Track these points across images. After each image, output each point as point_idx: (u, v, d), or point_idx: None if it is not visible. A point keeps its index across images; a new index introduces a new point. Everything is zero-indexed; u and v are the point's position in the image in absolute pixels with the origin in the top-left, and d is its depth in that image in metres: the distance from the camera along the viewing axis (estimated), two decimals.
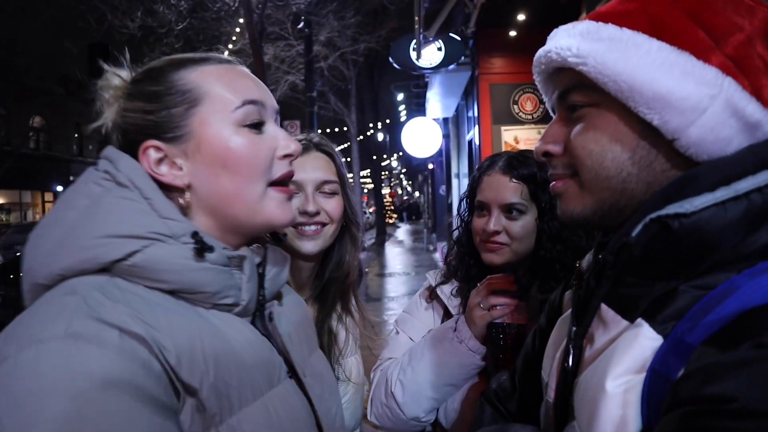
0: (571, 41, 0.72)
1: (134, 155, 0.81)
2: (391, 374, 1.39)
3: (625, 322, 0.68)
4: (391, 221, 35.22)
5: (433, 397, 1.35)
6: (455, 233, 1.56)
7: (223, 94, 0.82)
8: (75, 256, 0.73)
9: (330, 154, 1.38)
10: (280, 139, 0.85)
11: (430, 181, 23.22)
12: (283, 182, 0.86)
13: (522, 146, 7.33)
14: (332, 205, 1.35)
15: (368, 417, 1.45)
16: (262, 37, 10.80)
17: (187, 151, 0.81)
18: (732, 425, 0.50)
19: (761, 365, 0.51)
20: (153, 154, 0.80)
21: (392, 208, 40.54)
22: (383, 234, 23.27)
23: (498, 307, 1.30)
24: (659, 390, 0.59)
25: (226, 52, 12.80)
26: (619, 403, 0.62)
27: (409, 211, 41.77)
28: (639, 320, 0.65)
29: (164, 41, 11.57)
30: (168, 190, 0.81)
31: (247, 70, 0.88)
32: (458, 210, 1.57)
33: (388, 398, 1.38)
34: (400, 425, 1.39)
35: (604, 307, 0.71)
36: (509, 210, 1.35)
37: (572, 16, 5.46)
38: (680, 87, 0.65)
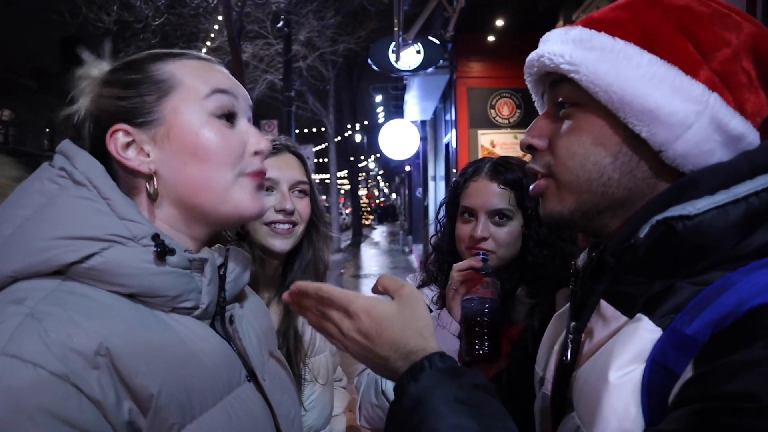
0: (564, 48, 0.73)
1: (101, 143, 0.79)
2: (378, 376, 1.37)
3: (624, 318, 0.70)
4: (367, 222, 35.21)
5: None
6: (433, 239, 1.55)
7: (194, 84, 0.81)
8: (28, 258, 0.70)
9: (300, 157, 1.43)
10: (251, 135, 0.85)
11: (407, 183, 23.28)
12: (256, 176, 0.85)
13: (498, 150, 7.40)
14: (303, 206, 1.39)
15: (357, 421, 1.45)
16: (240, 35, 10.73)
17: (155, 137, 0.79)
18: (751, 423, 0.51)
19: None
20: (121, 138, 0.78)
21: (369, 209, 40.53)
22: (359, 235, 23.26)
23: (468, 282, 1.31)
24: (658, 379, 0.61)
25: (204, 50, 12.68)
26: (621, 393, 0.64)
27: (384, 213, 41.83)
28: (638, 315, 0.67)
29: (141, 36, 11.42)
30: (133, 177, 0.79)
31: (223, 68, 0.87)
32: (437, 215, 1.57)
33: (379, 398, 1.37)
34: None
35: (603, 303, 0.73)
36: (496, 216, 1.36)
37: (550, 23, 5.54)
38: (668, 102, 0.67)
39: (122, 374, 0.67)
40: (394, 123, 12.68)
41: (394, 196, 48.73)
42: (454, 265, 1.33)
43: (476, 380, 0.71)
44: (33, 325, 0.64)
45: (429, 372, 0.71)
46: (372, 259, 16.86)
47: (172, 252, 0.75)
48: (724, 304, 0.60)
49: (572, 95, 0.74)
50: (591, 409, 0.67)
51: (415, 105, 11.22)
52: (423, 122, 12.99)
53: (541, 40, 0.80)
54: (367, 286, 11.41)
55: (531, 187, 0.82)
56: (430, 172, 11.92)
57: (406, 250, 17.93)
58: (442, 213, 1.53)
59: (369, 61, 8.34)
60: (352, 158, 24.07)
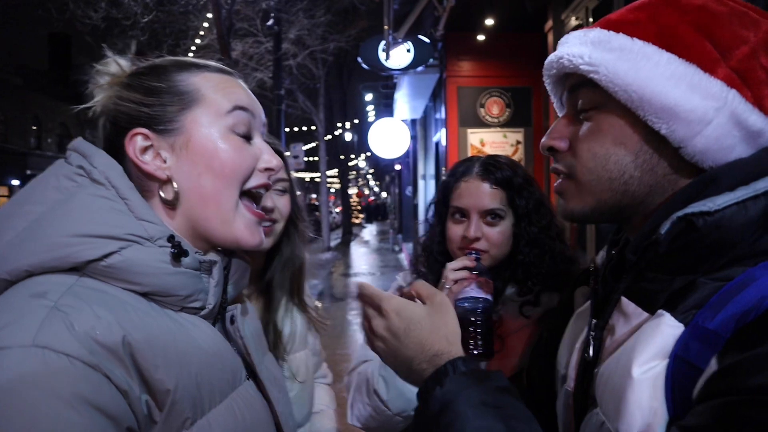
0: (583, 49, 0.74)
1: (119, 145, 0.81)
2: (372, 373, 1.36)
3: (645, 314, 0.71)
4: (357, 221, 35.18)
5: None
6: (423, 239, 1.55)
7: (216, 98, 0.83)
8: (45, 253, 0.71)
9: (281, 154, 1.42)
10: (264, 152, 0.87)
11: (397, 181, 23.29)
12: (256, 195, 0.87)
13: (488, 149, 7.42)
14: (283, 203, 1.40)
15: (349, 420, 1.44)
16: (230, 33, 10.68)
17: (174, 146, 0.81)
18: None
19: None
20: (140, 142, 0.80)
21: (359, 208, 40.50)
22: (349, 234, 23.24)
23: (461, 281, 1.29)
24: (682, 373, 0.63)
25: (193, 47, 12.61)
26: (645, 388, 0.65)
27: (375, 212, 41.81)
28: (660, 311, 0.69)
29: (129, 33, 11.32)
30: (147, 181, 0.81)
31: (242, 83, 0.90)
32: (426, 216, 1.56)
33: (371, 397, 1.36)
34: (386, 422, 1.36)
35: (624, 300, 0.74)
36: (488, 216, 1.37)
37: (538, 23, 5.56)
38: (687, 100, 0.68)
39: (141, 368, 0.69)
40: (384, 121, 12.68)
41: (384, 194, 48.72)
42: (448, 264, 1.33)
43: (500, 383, 0.73)
44: (59, 318, 0.66)
45: (453, 376, 0.73)
46: (362, 258, 16.86)
47: (186, 253, 0.77)
48: (746, 299, 0.61)
49: (592, 98, 0.76)
50: (615, 405, 0.68)
51: (405, 104, 11.23)
52: (413, 121, 13.01)
53: (559, 42, 0.82)
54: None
55: (555, 184, 0.83)
56: (420, 171, 11.94)
57: (396, 248, 17.94)
58: (431, 213, 1.53)
59: (359, 59, 8.33)
60: (342, 157, 24.05)
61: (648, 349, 0.67)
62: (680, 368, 0.63)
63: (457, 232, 1.39)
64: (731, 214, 0.65)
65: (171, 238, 0.77)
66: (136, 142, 0.80)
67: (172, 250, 0.76)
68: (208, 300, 0.82)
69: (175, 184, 0.81)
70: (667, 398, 0.64)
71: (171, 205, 0.82)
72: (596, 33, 0.75)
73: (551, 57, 0.80)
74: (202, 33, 13.05)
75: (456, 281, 1.29)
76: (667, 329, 0.66)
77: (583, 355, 0.81)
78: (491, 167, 1.39)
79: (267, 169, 0.87)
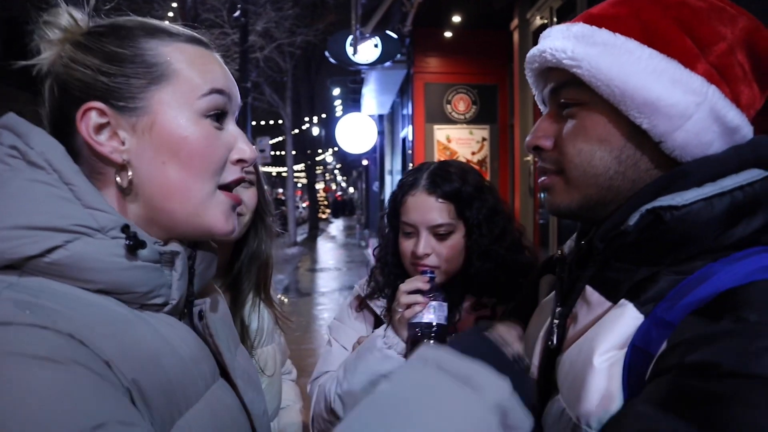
0: (566, 43, 0.75)
1: (70, 117, 0.70)
2: (329, 390, 1.35)
3: (608, 303, 0.72)
4: (324, 216, 35.05)
5: None
6: (376, 251, 1.52)
7: (192, 78, 0.73)
8: None
9: None
10: (238, 140, 0.77)
11: (364, 177, 23.28)
12: (230, 188, 0.78)
13: (454, 145, 7.48)
14: (249, 196, 1.38)
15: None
16: (195, 23, 10.50)
17: (136, 127, 0.70)
18: (715, 386, 0.55)
19: (742, 336, 0.57)
20: (95, 118, 0.69)
21: (326, 203, 40.33)
22: (316, 229, 23.14)
23: (414, 306, 1.27)
24: (639, 363, 0.64)
25: None
26: (604, 377, 0.67)
27: (342, 207, 41.71)
28: (622, 301, 0.70)
29: (91, 11, 10.98)
30: (99, 163, 0.71)
31: (218, 57, 0.79)
32: (379, 228, 1.54)
33: (329, 414, 1.35)
34: None
35: (588, 289, 0.75)
36: (437, 230, 1.33)
37: (505, 20, 5.62)
38: (669, 94, 0.69)
39: (119, 374, 0.61)
40: (352, 117, 12.66)
41: (351, 190, 48.65)
42: (401, 286, 1.30)
43: None
44: (12, 305, 0.58)
45: None
46: (328, 253, 16.81)
47: (143, 245, 0.67)
48: (702, 293, 0.63)
49: (575, 95, 0.76)
50: (576, 392, 0.70)
51: (373, 99, 11.22)
52: (380, 116, 13.02)
53: (541, 36, 0.82)
54: (323, 279, 11.37)
55: (539, 180, 0.83)
56: (387, 167, 11.96)
57: (363, 244, 17.94)
58: (384, 224, 1.50)
59: (327, 53, 8.29)
60: (309, 151, 23.90)
61: (609, 339, 0.68)
62: (637, 357, 0.65)
63: (407, 247, 1.36)
64: (698, 210, 0.67)
65: (125, 228, 0.67)
66: (90, 117, 0.69)
67: (127, 242, 0.66)
68: (171, 295, 0.73)
69: (134, 170, 0.71)
70: (624, 386, 0.66)
71: (127, 192, 0.71)
72: (579, 27, 0.76)
73: (534, 50, 0.80)
74: (166, 22, 12.78)
75: (409, 305, 1.26)
76: (629, 319, 0.68)
77: (547, 343, 0.82)
78: (438, 179, 1.35)
79: (240, 161, 0.77)
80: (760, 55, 0.72)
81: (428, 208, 1.34)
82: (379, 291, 1.46)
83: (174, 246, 0.74)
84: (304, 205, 31.60)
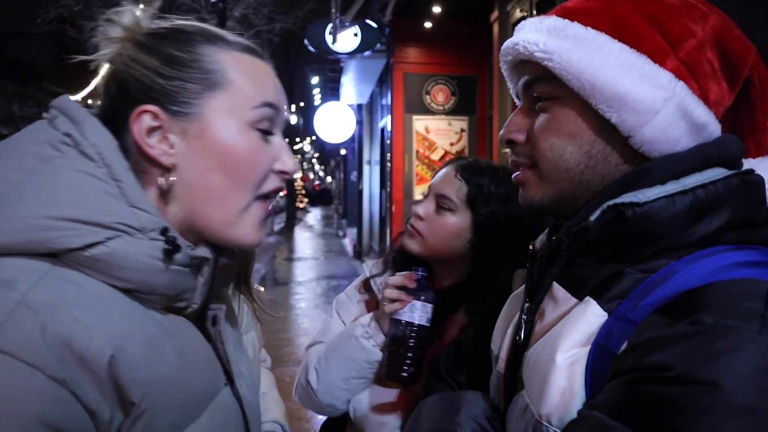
0: (539, 36, 0.75)
1: (124, 115, 0.71)
2: (310, 362, 1.39)
3: (574, 300, 0.73)
4: (301, 206, 34.88)
5: (345, 389, 1.34)
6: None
7: (245, 88, 0.74)
8: (20, 234, 0.61)
9: None
10: (282, 153, 0.78)
11: (342, 166, 23.19)
12: (268, 197, 0.79)
13: (433, 136, 7.49)
14: None
15: (293, 397, 1.48)
16: (172, 7, 10.29)
17: (187, 132, 0.71)
18: (668, 390, 0.56)
19: (696, 339, 0.57)
20: (148, 121, 0.70)
21: (304, 192, 40.14)
22: (293, 218, 23.02)
23: (396, 302, 1.26)
24: (602, 361, 0.65)
25: None
26: (567, 374, 0.68)
27: (320, 197, 41.58)
28: (587, 298, 0.71)
29: (60, 2, 10.72)
30: (146, 164, 0.72)
31: (272, 69, 0.81)
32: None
33: (306, 384, 1.39)
34: (319, 409, 1.41)
35: (555, 285, 0.76)
36: (441, 203, 1.33)
37: (484, 12, 5.62)
38: (638, 89, 0.69)
39: (120, 385, 0.61)
40: (330, 105, 12.56)
41: (329, 179, 48.45)
42: (388, 280, 1.30)
43: None
44: (28, 317, 0.56)
45: None
46: (306, 243, 16.76)
47: (179, 249, 0.68)
48: (665, 292, 0.64)
49: (547, 89, 0.76)
50: (539, 389, 0.70)
51: (352, 88, 11.16)
52: (359, 106, 12.96)
53: (516, 28, 0.82)
54: (300, 269, 11.35)
55: (513, 175, 0.83)
56: (366, 156, 11.92)
57: (341, 233, 17.91)
58: None
59: (306, 41, 8.21)
60: (287, 140, 23.72)
61: (572, 336, 0.69)
62: (600, 355, 0.66)
63: (414, 207, 1.38)
64: (659, 207, 0.68)
65: (164, 231, 0.67)
66: (144, 120, 0.70)
67: (166, 246, 0.67)
68: (194, 300, 0.74)
69: (180, 174, 0.71)
70: (586, 384, 0.66)
71: (168, 194, 0.72)
72: (552, 21, 0.76)
73: (507, 43, 0.81)
74: (141, 6, 12.52)
75: (392, 300, 1.25)
76: (592, 317, 0.69)
77: (515, 338, 0.83)
78: (470, 165, 1.35)
79: (282, 172, 0.78)
80: (730, 54, 0.73)
81: (445, 178, 1.35)
82: (389, 266, 1.46)
83: (204, 252, 0.74)
84: (282, 194, 31.41)
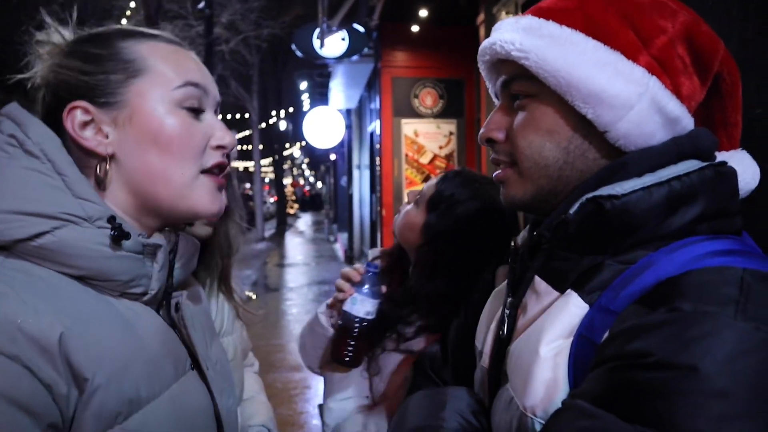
0: (515, 36, 0.76)
1: (57, 116, 0.75)
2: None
3: (556, 293, 0.74)
4: (292, 211, 34.82)
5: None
6: None
7: (166, 72, 0.78)
8: None
9: None
10: (216, 128, 0.82)
11: (332, 172, 23.18)
12: (214, 172, 0.82)
13: (421, 139, 7.51)
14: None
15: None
16: (158, 14, 10.28)
17: (117, 120, 0.76)
18: (649, 376, 0.58)
19: (674, 325, 0.59)
20: (79, 116, 0.75)
21: (294, 198, 40.07)
22: (284, 224, 22.97)
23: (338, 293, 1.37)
24: (585, 352, 0.66)
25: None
26: (550, 366, 0.69)
27: (310, 202, 41.52)
28: (569, 291, 0.72)
29: (46, 9, 10.65)
30: (87, 157, 0.76)
31: (194, 55, 0.85)
32: None
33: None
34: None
35: (537, 279, 0.77)
36: (414, 196, 1.42)
37: (471, 15, 5.66)
38: (612, 85, 0.71)
39: (72, 363, 0.65)
40: (319, 110, 12.57)
41: (319, 184, 48.41)
42: (342, 270, 1.40)
43: None
44: None
45: None
46: (296, 248, 16.71)
47: (127, 236, 0.72)
48: (644, 282, 0.65)
49: (525, 87, 0.78)
50: (523, 381, 0.71)
51: (340, 93, 11.17)
52: (348, 110, 12.97)
53: (493, 28, 0.83)
54: (291, 274, 11.31)
55: (494, 174, 0.85)
56: (355, 161, 11.92)
57: (331, 239, 17.89)
58: None
59: (293, 47, 8.21)
60: (276, 146, 23.68)
61: (555, 328, 0.70)
62: (583, 346, 0.67)
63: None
64: (637, 199, 0.69)
65: (111, 219, 0.72)
66: (75, 116, 0.75)
67: (112, 232, 0.71)
68: (151, 285, 0.78)
69: (119, 161, 0.76)
70: (569, 374, 0.67)
71: (113, 181, 0.77)
72: (527, 20, 0.77)
73: (485, 43, 0.82)
74: (128, 13, 12.48)
75: (338, 289, 1.35)
76: (574, 309, 0.70)
77: (498, 333, 0.84)
78: (453, 175, 1.38)
79: (220, 147, 0.82)
80: (699, 49, 0.75)
81: (430, 182, 1.42)
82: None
83: (157, 239, 0.79)
84: (272, 200, 31.33)
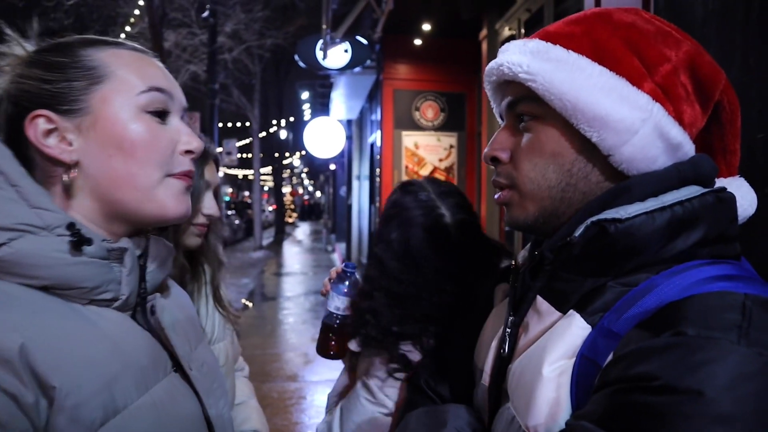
0: (522, 58, 0.77)
1: (20, 127, 0.75)
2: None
3: (558, 313, 0.74)
4: (290, 220, 34.80)
5: None
6: None
7: (129, 77, 0.78)
8: None
9: (216, 159, 1.50)
10: (183, 133, 0.82)
11: (331, 181, 23.21)
12: (182, 179, 0.82)
13: (422, 152, 7.53)
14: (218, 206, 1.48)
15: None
16: (163, 22, 10.32)
17: (81, 127, 0.76)
18: (653, 399, 0.58)
19: (679, 350, 0.59)
20: (42, 124, 0.75)
21: (293, 206, 40.07)
22: (282, 233, 22.95)
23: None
24: (587, 373, 0.67)
25: (123, 35, 12.10)
26: (553, 386, 0.69)
27: (309, 211, 41.54)
28: (571, 311, 0.72)
29: (52, 16, 10.71)
30: (52, 165, 0.76)
31: (159, 63, 0.85)
32: None
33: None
34: None
35: (539, 299, 0.77)
36: None
37: (473, 30, 5.70)
38: (617, 110, 0.72)
39: (38, 372, 0.63)
40: (320, 121, 12.60)
41: (318, 194, 48.40)
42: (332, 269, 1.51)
43: None
44: None
45: None
46: (294, 257, 16.69)
47: (88, 242, 0.72)
48: (646, 304, 0.66)
49: (530, 109, 0.79)
50: (525, 400, 0.72)
51: (342, 104, 11.22)
52: (349, 121, 13.01)
53: (500, 50, 0.85)
54: (288, 284, 11.29)
55: (496, 196, 0.86)
56: (355, 172, 11.95)
57: (329, 248, 17.88)
58: None
59: (296, 57, 8.25)
60: (276, 154, 23.72)
61: (558, 348, 0.71)
62: (585, 367, 0.67)
63: None
64: (640, 223, 0.70)
65: (70, 226, 0.71)
66: (38, 125, 0.74)
67: (72, 239, 0.70)
68: (120, 290, 0.77)
69: (84, 168, 0.76)
70: (572, 394, 0.68)
71: (79, 190, 0.76)
72: (535, 44, 0.78)
73: (492, 64, 0.83)
74: (132, 20, 12.55)
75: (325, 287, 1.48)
76: (576, 330, 0.70)
77: (499, 351, 0.84)
78: (413, 185, 1.38)
79: (187, 152, 0.82)
80: (702, 78, 0.76)
81: None
82: None
83: (122, 242, 0.78)
84: (271, 208, 31.32)
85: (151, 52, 0.85)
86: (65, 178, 0.75)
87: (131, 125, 0.77)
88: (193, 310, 0.99)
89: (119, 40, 0.83)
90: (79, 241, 0.71)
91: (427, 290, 1.25)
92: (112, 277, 0.75)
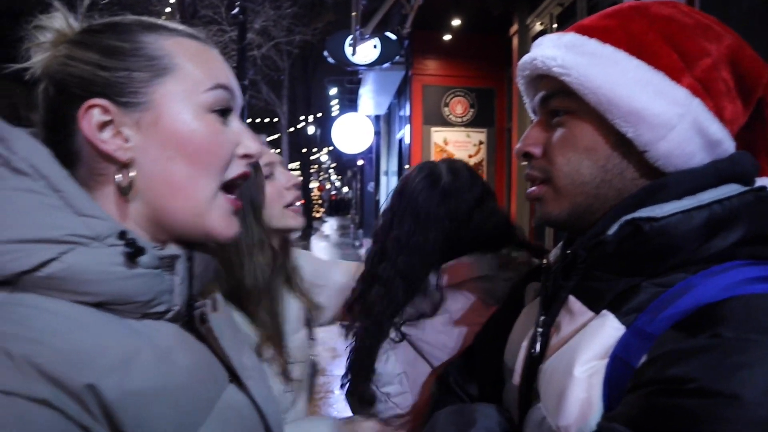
0: (557, 52, 0.76)
1: (69, 117, 0.66)
2: None
3: (591, 313, 0.73)
4: (318, 215, 35.00)
5: None
6: None
7: (195, 72, 0.70)
8: None
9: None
10: (243, 136, 0.75)
11: (359, 177, 23.25)
12: (234, 185, 0.75)
13: (451, 148, 7.50)
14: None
15: None
16: (193, 19, 10.47)
17: (140, 123, 0.67)
18: (690, 402, 0.57)
19: (716, 352, 0.58)
20: (98, 116, 0.66)
21: (320, 202, 40.32)
22: (309, 228, 23.11)
23: None
24: (620, 374, 0.65)
25: None
26: (585, 387, 0.68)
27: (336, 206, 41.75)
28: (604, 311, 0.71)
29: (86, 14, 10.91)
30: (103, 163, 0.67)
31: (219, 54, 0.77)
32: None
33: None
34: None
35: (571, 298, 0.76)
36: None
37: (504, 26, 5.65)
38: (653, 104, 0.70)
39: (106, 404, 0.57)
40: (348, 116, 12.63)
41: (345, 189, 48.59)
42: None
43: None
44: None
45: None
46: (322, 252, 16.76)
47: (142, 251, 0.64)
48: (683, 306, 0.64)
49: (564, 103, 0.78)
50: (556, 401, 0.71)
51: (370, 99, 11.22)
52: (377, 117, 13.01)
53: (534, 44, 0.83)
54: None
55: (528, 191, 0.85)
56: (383, 167, 11.95)
57: (357, 243, 17.93)
58: None
59: (325, 53, 8.29)
60: (304, 150, 23.86)
61: (590, 349, 0.69)
62: (618, 368, 0.66)
63: None
64: (676, 222, 0.69)
65: (123, 235, 0.63)
66: (93, 115, 0.65)
67: (127, 250, 0.62)
68: (173, 301, 0.69)
69: (139, 168, 0.68)
70: (604, 395, 0.67)
71: (129, 191, 0.68)
72: (570, 37, 0.77)
73: (525, 58, 0.82)
74: (164, 17, 12.73)
75: None
76: (610, 330, 0.69)
77: (530, 351, 0.83)
78: (429, 167, 1.44)
79: (246, 156, 0.75)
80: (744, 73, 0.74)
81: None
82: None
83: (173, 249, 0.71)
84: (299, 203, 31.49)
85: (209, 41, 0.77)
86: (118, 177, 0.67)
87: (196, 126, 0.69)
88: (228, 311, 0.93)
89: (181, 26, 0.75)
90: (134, 252, 0.63)
91: (433, 231, 1.34)
92: (164, 288, 0.68)
